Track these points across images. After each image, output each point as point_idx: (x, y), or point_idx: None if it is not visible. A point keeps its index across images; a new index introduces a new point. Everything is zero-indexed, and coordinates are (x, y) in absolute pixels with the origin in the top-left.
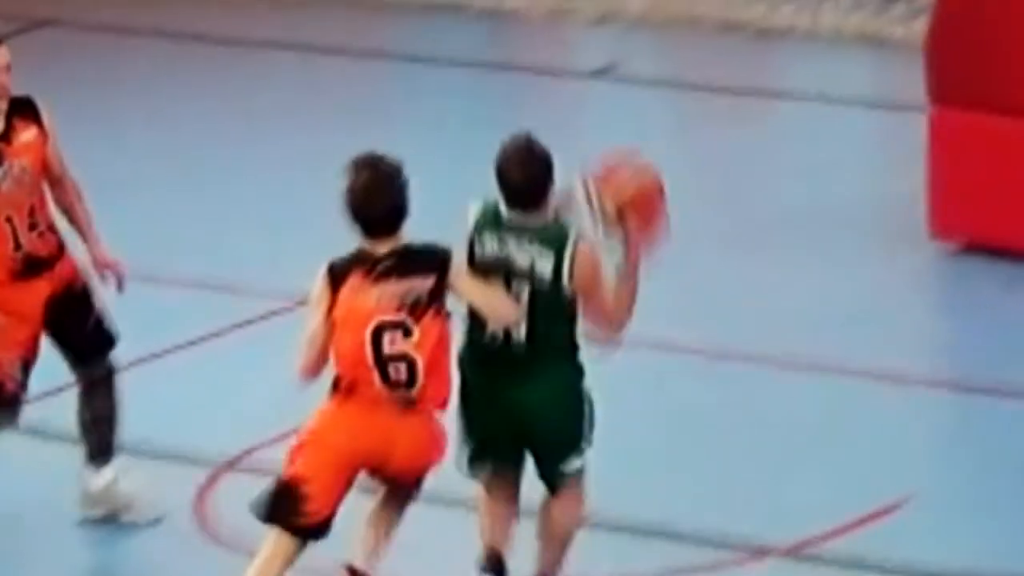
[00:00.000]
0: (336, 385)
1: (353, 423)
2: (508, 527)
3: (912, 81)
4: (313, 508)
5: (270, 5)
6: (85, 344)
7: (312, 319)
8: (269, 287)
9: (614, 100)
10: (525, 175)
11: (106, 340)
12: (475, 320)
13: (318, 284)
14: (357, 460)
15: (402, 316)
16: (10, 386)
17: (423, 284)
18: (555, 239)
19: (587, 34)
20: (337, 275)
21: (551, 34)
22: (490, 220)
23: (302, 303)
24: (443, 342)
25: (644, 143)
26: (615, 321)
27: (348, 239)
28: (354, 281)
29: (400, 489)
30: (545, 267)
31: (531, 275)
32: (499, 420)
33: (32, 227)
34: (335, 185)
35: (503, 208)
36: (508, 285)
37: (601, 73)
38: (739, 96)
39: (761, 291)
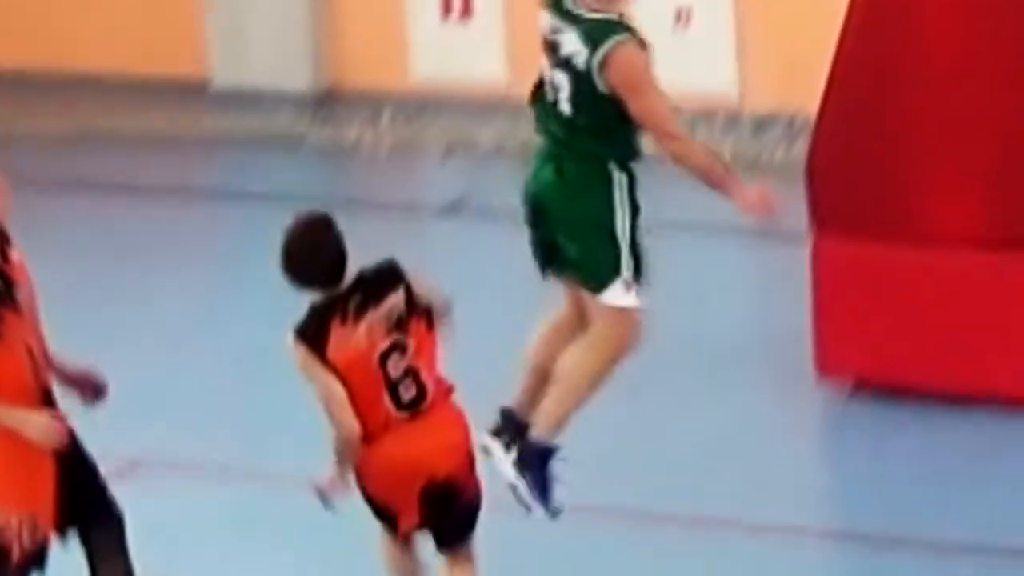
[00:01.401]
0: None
1: (391, 457)
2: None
3: (794, 208)
4: (405, 529)
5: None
6: (100, 497)
7: (323, 384)
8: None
9: (467, 235)
10: None
11: (110, 493)
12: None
13: (299, 356)
14: (415, 480)
15: (395, 336)
16: (17, 553)
17: (397, 298)
18: (599, 36)
19: (435, 167)
20: (315, 338)
21: (396, 169)
22: (554, 2)
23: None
24: (432, 342)
25: (503, 278)
26: (662, 133)
27: (164, 393)
28: (336, 333)
29: (455, 537)
30: (579, 60)
31: (568, 64)
32: (531, 211)
33: (44, 356)
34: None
35: None
36: (554, 67)
37: (452, 208)
38: None
39: (636, 438)
